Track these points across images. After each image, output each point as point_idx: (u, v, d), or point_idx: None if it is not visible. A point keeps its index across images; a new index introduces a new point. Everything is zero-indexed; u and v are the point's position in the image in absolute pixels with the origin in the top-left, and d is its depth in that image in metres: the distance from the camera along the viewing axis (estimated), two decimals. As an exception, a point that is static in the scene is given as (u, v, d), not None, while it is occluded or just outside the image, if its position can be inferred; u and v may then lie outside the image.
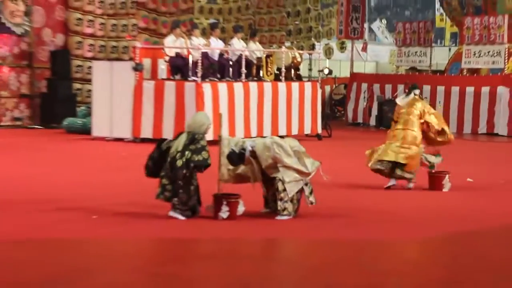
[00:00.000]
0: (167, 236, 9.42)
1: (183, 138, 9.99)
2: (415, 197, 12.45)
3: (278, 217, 10.23)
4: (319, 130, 22.06)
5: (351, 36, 30.73)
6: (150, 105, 19.08)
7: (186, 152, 9.85)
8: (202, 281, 7.57)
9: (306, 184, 10.39)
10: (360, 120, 27.68)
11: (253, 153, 10.22)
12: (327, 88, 29.55)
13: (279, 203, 10.23)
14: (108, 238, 9.29)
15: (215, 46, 20.33)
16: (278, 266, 8.36)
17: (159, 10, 26.38)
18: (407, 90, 13.95)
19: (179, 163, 9.81)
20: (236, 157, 10.21)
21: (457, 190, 12.93)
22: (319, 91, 22.47)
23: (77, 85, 24.17)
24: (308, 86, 22.15)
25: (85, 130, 20.62)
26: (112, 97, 19.62)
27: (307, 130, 21.75)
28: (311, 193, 10.42)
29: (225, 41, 22.39)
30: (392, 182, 12.98)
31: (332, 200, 11.84)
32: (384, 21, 50.16)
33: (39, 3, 23.91)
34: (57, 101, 23.07)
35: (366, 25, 37.07)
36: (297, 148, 10.36)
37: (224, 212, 10.02)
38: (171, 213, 10.00)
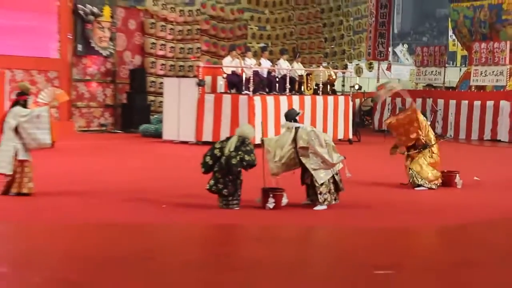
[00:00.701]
0: (223, 222, 9.41)
1: (234, 140, 10.00)
2: (431, 193, 12.29)
3: (316, 208, 10.19)
4: (350, 136, 21.94)
5: (378, 58, 30.57)
6: (210, 114, 19.11)
7: (240, 152, 9.86)
8: (251, 260, 7.55)
9: (336, 174, 10.35)
10: (384, 127, 27.42)
11: (296, 129, 10.38)
12: (357, 101, 29.35)
13: (319, 196, 10.23)
14: (175, 223, 9.33)
15: (265, 65, 20.33)
16: (314, 249, 8.33)
17: (219, 36, 26.43)
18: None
19: (234, 160, 9.82)
20: (292, 114, 10.72)
21: (466, 187, 12.78)
22: (351, 103, 22.34)
23: (151, 98, 24.29)
24: (341, 99, 22.04)
25: (157, 134, 20.72)
26: (180, 107, 19.68)
27: (340, 135, 21.62)
28: (340, 181, 10.41)
29: (273, 61, 22.34)
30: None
31: (361, 194, 11.77)
32: (405, 45, 49.83)
33: (122, 30, 24.08)
34: (135, 111, 23.21)
35: (390, 49, 36.78)
36: (328, 141, 10.36)
37: (271, 203, 10.02)
38: (232, 208, 9.99)
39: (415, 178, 12.50)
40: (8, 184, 10.45)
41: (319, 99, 20.98)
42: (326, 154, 10.18)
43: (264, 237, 8.81)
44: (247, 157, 9.87)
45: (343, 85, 28.37)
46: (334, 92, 22.75)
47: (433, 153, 12.61)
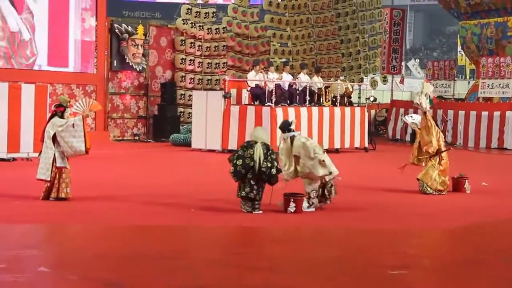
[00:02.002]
0: (247, 225, 9.38)
1: (259, 147, 9.88)
2: (442, 197, 12.17)
3: (305, 210, 10.18)
4: (366, 144, 21.84)
5: (391, 72, 30.48)
6: (235, 124, 19.10)
7: (274, 162, 9.88)
8: (273, 260, 7.50)
9: (328, 184, 10.28)
10: (398, 136, 27.38)
11: (291, 138, 10.24)
12: (373, 112, 29.24)
13: (307, 199, 10.19)
14: (203, 225, 9.29)
15: (286, 79, 20.30)
16: (331, 249, 8.22)
17: (243, 52, 26.46)
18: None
19: (274, 171, 9.84)
20: (285, 126, 10.43)
21: (475, 192, 12.64)
22: (366, 114, 22.27)
23: (180, 109, 24.32)
24: (357, 110, 21.96)
25: (186, 143, 20.77)
26: (207, 118, 19.70)
27: (357, 144, 21.55)
28: (331, 187, 10.33)
29: (294, 75, 22.31)
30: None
31: (375, 197, 11.71)
32: (417, 60, 49.59)
33: (154, 47, 24.17)
34: (165, 121, 23.27)
35: (403, 63, 36.69)
36: (318, 154, 10.15)
37: (292, 207, 9.97)
38: (256, 212, 9.96)
39: (424, 188, 12.34)
40: (47, 190, 10.48)
41: (337, 110, 20.92)
42: (313, 167, 10.09)
43: (285, 239, 8.76)
44: (277, 165, 9.94)
45: (359, 97, 28.20)
46: (350, 104, 22.68)
47: (442, 159, 12.47)
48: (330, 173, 10.21)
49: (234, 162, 9.92)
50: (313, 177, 10.16)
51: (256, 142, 9.95)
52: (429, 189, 12.28)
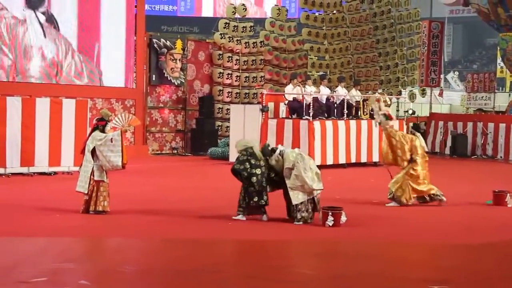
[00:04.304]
0: (283, 238, 9.38)
1: (260, 154, 10.33)
2: (481, 211, 12.02)
3: (295, 223, 10.14)
4: (405, 158, 21.64)
5: (430, 84, 30.25)
6: (273, 138, 19.08)
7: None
8: (311, 272, 7.49)
9: (315, 196, 10.20)
10: (437, 150, 27.09)
11: (281, 154, 10.25)
12: (411, 125, 29.04)
13: (297, 213, 10.13)
14: (240, 239, 9.34)
15: (324, 92, 20.30)
16: (368, 261, 8.15)
17: (281, 65, 26.53)
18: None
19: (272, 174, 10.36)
20: (267, 150, 10.43)
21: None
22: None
23: (218, 123, 24.44)
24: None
25: (224, 157, 20.82)
26: (245, 131, 19.75)
27: (395, 157, 21.37)
28: (318, 202, 10.25)
29: (331, 88, 22.29)
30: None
31: (412, 210, 11.60)
32: (456, 72, 49.24)
33: (192, 61, 24.35)
34: (203, 135, 23.38)
35: (442, 76, 36.40)
36: (313, 168, 10.23)
37: (330, 221, 9.94)
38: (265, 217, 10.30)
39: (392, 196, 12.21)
40: (86, 203, 10.61)
41: (375, 123, 20.80)
42: (309, 178, 10.05)
43: (323, 252, 8.74)
44: None
45: (397, 110, 28.10)
46: (389, 117, 22.52)
47: (415, 167, 12.22)
48: (322, 188, 10.26)
49: (253, 171, 10.15)
50: (305, 190, 10.13)
51: (252, 149, 10.28)
52: (400, 196, 12.12)
